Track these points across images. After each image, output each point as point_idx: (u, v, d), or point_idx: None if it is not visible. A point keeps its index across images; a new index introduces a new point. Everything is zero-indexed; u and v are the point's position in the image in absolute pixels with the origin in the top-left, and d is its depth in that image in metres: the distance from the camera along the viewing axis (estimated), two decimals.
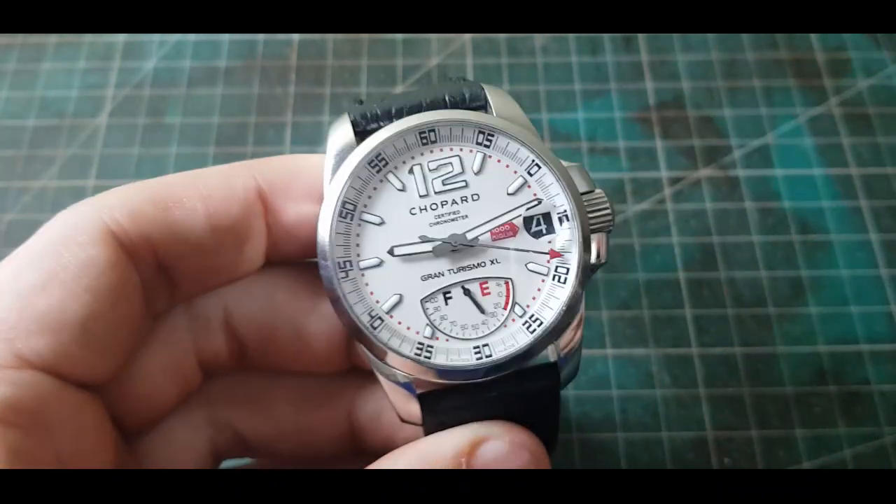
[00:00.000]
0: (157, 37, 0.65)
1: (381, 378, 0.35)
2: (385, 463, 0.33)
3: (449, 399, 0.34)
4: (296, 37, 0.66)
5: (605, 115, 0.62)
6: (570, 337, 0.35)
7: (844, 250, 0.56)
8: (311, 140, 0.61)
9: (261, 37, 0.66)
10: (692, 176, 0.59)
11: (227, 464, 0.43)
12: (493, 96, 0.36)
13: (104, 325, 0.32)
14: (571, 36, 0.65)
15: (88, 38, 0.65)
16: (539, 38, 0.65)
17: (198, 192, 0.34)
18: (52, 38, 0.65)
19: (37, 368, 0.31)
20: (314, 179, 0.35)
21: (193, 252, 0.34)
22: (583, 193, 0.35)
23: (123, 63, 0.64)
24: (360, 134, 0.35)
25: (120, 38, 0.65)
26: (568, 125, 0.61)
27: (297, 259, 0.38)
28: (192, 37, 0.66)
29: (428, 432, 0.35)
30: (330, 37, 0.65)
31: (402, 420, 0.35)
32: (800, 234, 0.57)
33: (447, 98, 0.36)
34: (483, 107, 0.36)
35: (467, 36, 0.65)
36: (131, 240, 0.33)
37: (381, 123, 0.35)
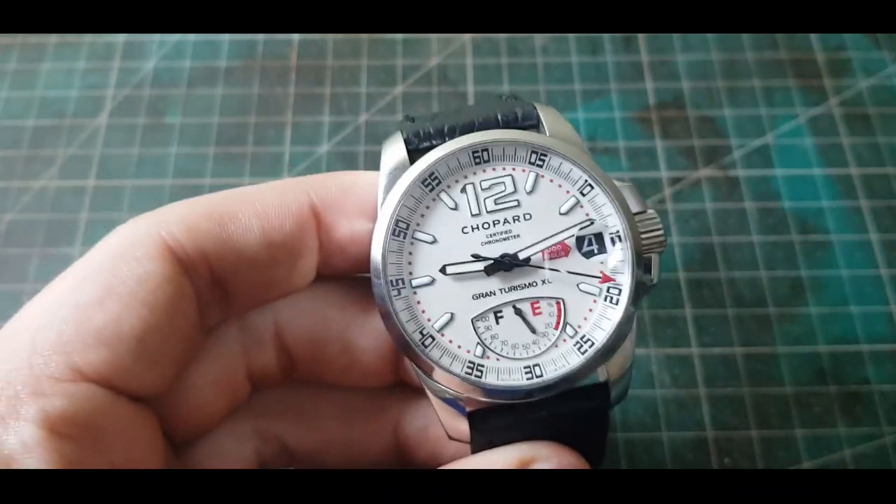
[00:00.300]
0: (157, 37, 0.65)
1: (430, 395, 0.35)
2: None
3: (498, 418, 0.34)
4: (296, 37, 0.66)
5: (605, 115, 0.62)
6: (621, 358, 0.35)
7: (844, 250, 0.56)
8: (311, 140, 0.61)
9: (261, 37, 0.66)
10: (692, 176, 0.59)
11: None
12: (545, 115, 0.36)
13: (159, 338, 0.33)
14: (571, 36, 0.65)
15: (88, 38, 0.65)
16: (539, 38, 0.65)
17: (253, 207, 0.35)
18: (52, 39, 0.65)
19: (92, 381, 0.31)
20: (367, 196, 0.36)
21: (248, 267, 0.35)
22: (635, 213, 0.35)
23: (123, 63, 0.64)
24: (413, 152, 0.35)
25: (120, 39, 0.65)
26: None
27: (347, 274, 0.38)
28: (192, 37, 0.66)
29: (475, 450, 0.35)
30: (330, 37, 0.65)
31: (450, 437, 0.35)
32: (800, 234, 0.57)
33: (500, 117, 0.36)
34: (535, 126, 0.36)
35: (467, 36, 0.65)
36: (187, 254, 0.33)
37: (434, 142, 0.35)
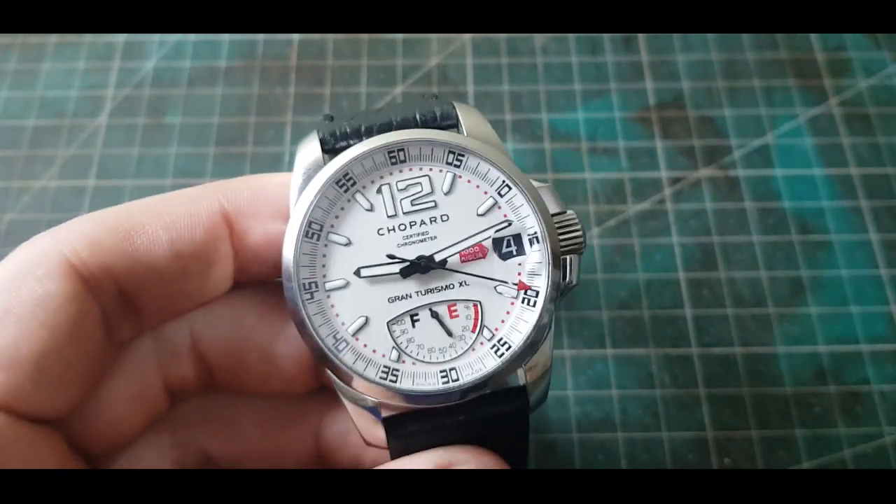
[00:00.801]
0: (157, 37, 0.65)
1: (345, 401, 0.34)
2: None
3: (415, 423, 0.34)
4: (296, 37, 0.66)
5: (605, 115, 0.62)
6: (539, 361, 0.34)
7: (844, 250, 0.56)
8: None
9: (261, 37, 0.66)
10: (692, 176, 0.59)
11: None
12: (464, 115, 0.36)
13: (61, 360, 0.32)
14: (571, 36, 0.65)
15: (88, 38, 0.65)
16: (539, 38, 0.65)
17: (160, 218, 0.34)
18: (53, 39, 0.65)
19: None
20: (281, 198, 0.35)
21: (157, 280, 0.34)
22: (554, 215, 0.34)
23: (123, 63, 0.64)
24: (329, 152, 0.35)
25: (120, 39, 0.65)
26: (568, 125, 0.61)
27: (266, 279, 0.37)
28: (192, 37, 0.66)
29: (394, 457, 0.34)
30: (330, 37, 0.65)
31: (367, 443, 0.35)
32: (800, 234, 0.57)
33: (418, 116, 0.35)
34: (454, 125, 0.36)
35: (467, 36, 0.65)
36: (91, 271, 0.32)
37: (351, 142, 0.35)
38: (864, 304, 0.54)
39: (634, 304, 0.54)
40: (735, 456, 0.50)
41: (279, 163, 0.60)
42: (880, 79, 0.63)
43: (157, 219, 0.34)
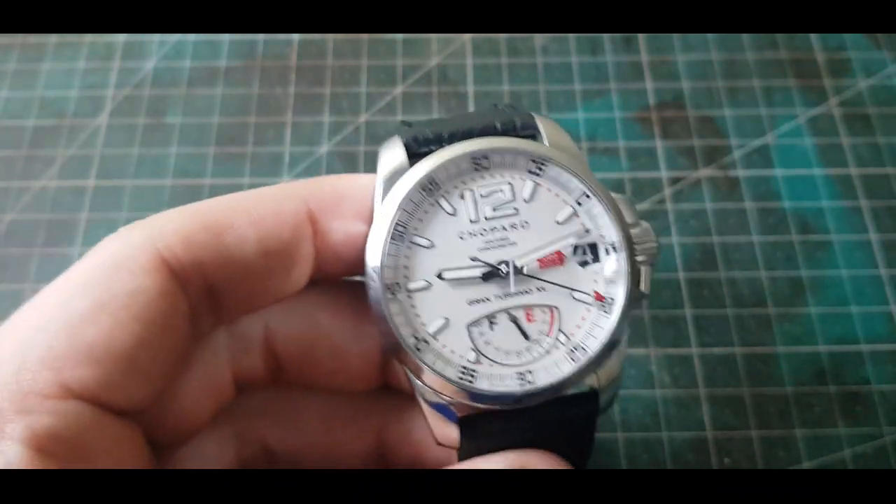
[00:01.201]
0: (157, 37, 0.65)
1: (420, 400, 0.34)
2: None
3: (488, 424, 0.34)
4: (296, 37, 0.66)
5: (605, 115, 0.62)
6: (612, 366, 0.35)
7: (844, 250, 0.56)
8: (311, 140, 0.61)
9: (261, 37, 0.66)
10: (692, 176, 0.59)
11: None
12: (543, 125, 0.36)
13: (150, 354, 0.32)
14: (571, 36, 0.65)
15: (88, 38, 0.65)
16: (539, 38, 0.65)
17: (249, 216, 0.34)
18: (52, 38, 0.65)
19: (80, 398, 0.31)
20: (363, 199, 0.35)
21: (243, 276, 0.34)
22: (629, 225, 0.35)
23: (123, 63, 0.64)
24: (412, 157, 0.35)
25: (120, 38, 0.65)
26: (568, 125, 0.61)
27: (339, 277, 0.38)
28: (192, 37, 0.66)
29: (462, 456, 0.35)
30: (330, 37, 0.66)
31: (438, 443, 0.35)
32: (800, 234, 0.57)
33: (499, 125, 0.36)
34: (533, 136, 0.36)
35: (467, 36, 0.65)
36: (183, 266, 0.33)
37: (433, 147, 0.35)
38: (865, 304, 0.54)
39: (635, 304, 0.54)
40: (735, 456, 0.50)
41: (279, 163, 0.60)
42: (880, 79, 0.63)
43: (246, 216, 0.34)
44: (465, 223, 0.35)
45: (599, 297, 0.35)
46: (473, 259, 0.34)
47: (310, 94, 0.63)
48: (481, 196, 0.35)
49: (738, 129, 0.61)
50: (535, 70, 0.64)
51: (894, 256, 0.56)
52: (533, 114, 0.37)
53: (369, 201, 0.35)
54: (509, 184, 0.35)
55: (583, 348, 0.34)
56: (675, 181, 0.59)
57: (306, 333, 0.37)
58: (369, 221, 0.35)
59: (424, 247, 0.35)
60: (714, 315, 0.54)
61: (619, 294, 0.34)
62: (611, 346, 0.34)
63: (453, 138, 0.35)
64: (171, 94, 0.63)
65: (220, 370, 0.37)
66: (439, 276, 0.34)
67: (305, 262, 0.35)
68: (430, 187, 0.35)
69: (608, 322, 0.34)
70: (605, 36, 0.65)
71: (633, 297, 0.34)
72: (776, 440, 0.50)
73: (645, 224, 0.35)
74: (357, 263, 0.35)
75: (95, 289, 0.31)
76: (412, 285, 0.34)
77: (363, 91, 0.63)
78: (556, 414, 0.34)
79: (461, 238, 0.35)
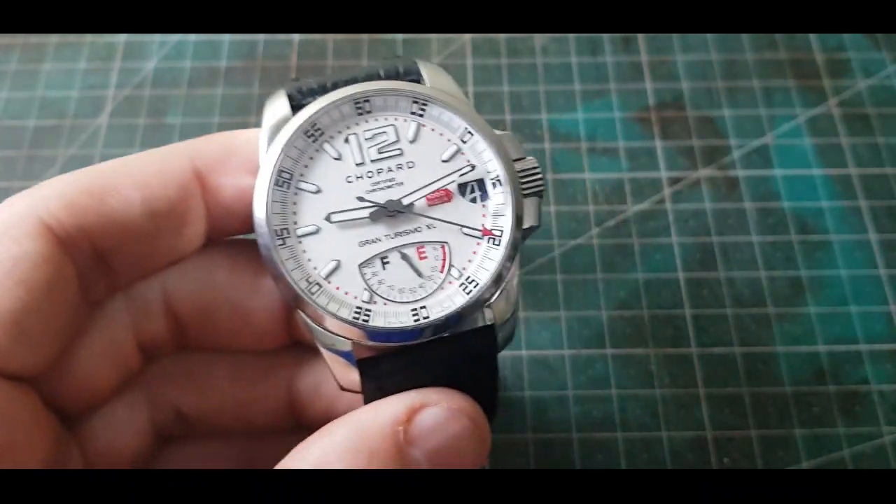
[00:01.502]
0: (157, 37, 0.65)
1: (320, 348, 0.35)
2: (322, 436, 0.33)
3: (387, 364, 0.34)
4: (296, 37, 0.66)
5: (604, 116, 0.62)
6: (504, 302, 0.35)
7: (844, 250, 0.56)
8: None
9: (261, 37, 0.66)
10: (692, 176, 0.59)
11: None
12: (426, 70, 0.37)
13: (37, 318, 0.32)
14: (571, 36, 0.65)
15: (89, 38, 0.65)
16: (539, 38, 0.65)
17: (132, 178, 0.34)
18: (53, 39, 0.65)
19: None
20: (251, 153, 0.35)
21: (132, 239, 0.34)
22: (514, 160, 0.36)
23: (124, 63, 0.64)
24: (296, 108, 0.36)
25: (120, 39, 0.65)
26: (568, 125, 0.61)
27: (238, 234, 0.38)
28: (192, 37, 0.66)
29: (367, 399, 0.35)
30: (330, 37, 0.66)
31: (342, 388, 0.35)
32: (799, 234, 0.57)
33: (381, 72, 0.37)
34: (417, 80, 0.37)
35: (467, 36, 0.65)
36: (67, 232, 0.33)
37: (317, 97, 0.36)
38: (864, 304, 0.54)
39: (634, 304, 0.54)
40: (734, 456, 0.50)
41: None
42: (880, 79, 0.63)
43: (130, 179, 0.34)
44: (351, 167, 0.35)
45: (487, 231, 0.35)
46: (360, 199, 0.35)
47: None
48: (366, 139, 0.36)
49: (737, 130, 0.61)
50: (535, 70, 0.64)
51: (893, 256, 0.56)
52: (416, 59, 0.37)
53: (257, 154, 0.35)
54: (392, 125, 0.36)
55: (475, 281, 0.35)
56: (674, 181, 0.59)
57: (205, 294, 0.37)
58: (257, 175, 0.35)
59: (311, 192, 0.35)
60: (713, 315, 0.54)
61: (507, 226, 0.35)
62: (501, 276, 0.34)
63: (336, 87, 0.36)
64: (171, 94, 0.63)
65: (121, 336, 0.37)
66: (328, 220, 0.35)
67: (197, 221, 0.35)
68: (313, 133, 0.35)
69: (497, 254, 0.35)
70: (605, 36, 0.65)
71: (521, 229, 0.35)
72: (775, 440, 0.50)
73: (531, 158, 0.36)
74: (252, 218, 0.35)
75: None
76: (301, 230, 0.35)
77: None
78: (456, 350, 0.35)
79: (348, 181, 0.35)
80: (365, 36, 0.65)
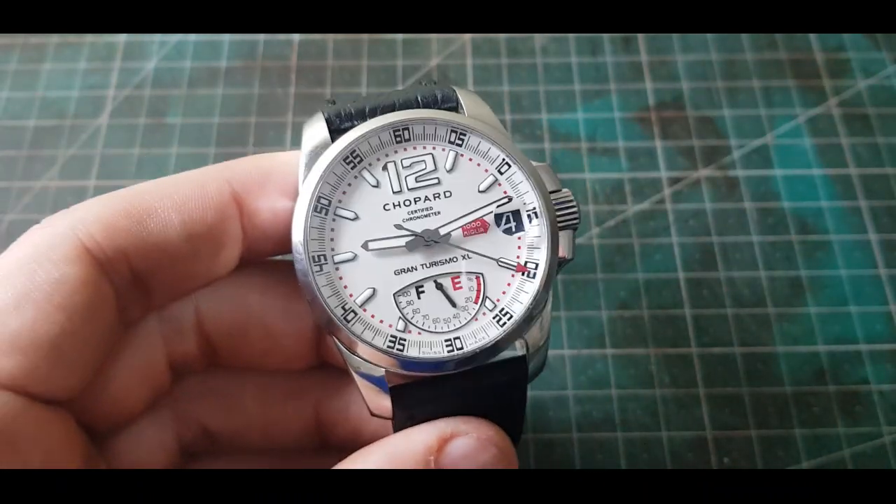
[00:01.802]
0: (157, 37, 0.65)
1: (353, 373, 0.35)
2: (355, 461, 0.33)
3: (419, 392, 0.35)
4: (296, 37, 0.66)
5: (604, 116, 0.62)
6: (538, 331, 0.36)
7: (844, 250, 0.56)
8: None
9: (261, 37, 0.66)
10: (691, 176, 0.59)
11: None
12: (464, 98, 0.37)
13: (76, 343, 0.32)
14: (571, 36, 0.65)
15: (89, 38, 0.65)
16: (539, 39, 0.65)
17: (172, 200, 0.34)
18: (53, 39, 0.65)
19: (6, 388, 0.31)
20: (288, 177, 0.35)
21: (169, 262, 0.34)
22: (551, 192, 0.36)
23: (124, 63, 0.64)
24: (334, 132, 0.36)
25: (121, 39, 0.65)
26: (568, 125, 0.61)
27: (270, 256, 0.38)
28: (192, 37, 0.66)
29: (397, 426, 0.35)
30: (330, 37, 0.66)
31: (372, 414, 0.35)
32: (799, 234, 0.57)
33: (419, 99, 0.37)
34: (455, 108, 0.37)
35: (467, 36, 0.65)
36: (106, 255, 0.33)
37: (355, 122, 0.36)
38: (864, 304, 0.54)
39: (634, 304, 0.54)
40: (734, 455, 0.50)
41: None
42: (879, 79, 0.63)
43: (168, 201, 0.34)
44: (388, 194, 0.35)
45: (522, 267, 0.35)
46: (398, 226, 0.35)
47: (310, 94, 0.63)
48: (404, 167, 0.36)
49: (737, 130, 0.61)
50: (535, 70, 0.64)
51: (893, 256, 0.56)
52: (455, 87, 0.37)
53: (294, 178, 0.35)
54: (431, 154, 0.36)
55: (509, 313, 0.35)
56: (674, 181, 0.59)
57: (237, 315, 0.38)
58: (295, 198, 0.35)
59: (349, 219, 0.35)
60: (713, 315, 0.54)
61: (542, 259, 0.35)
62: (536, 310, 0.35)
63: (374, 113, 0.36)
64: (171, 94, 0.63)
65: (154, 356, 0.37)
66: (365, 247, 0.35)
67: (233, 244, 0.35)
68: (352, 160, 0.35)
69: (532, 287, 0.35)
70: (605, 36, 0.65)
71: (556, 262, 0.35)
72: (775, 440, 0.50)
73: (566, 191, 0.36)
74: (287, 241, 0.35)
75: (18, 279, 0.31)
76: (338, 257, 0.35)
77: (363, 91, 0.63)
78: (486, 380, 0.35)
79: (385, 209, 0.35)
80: (365, 36, 0.65)
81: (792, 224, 0.57)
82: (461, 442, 0.33)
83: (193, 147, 0.60)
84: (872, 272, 0.55)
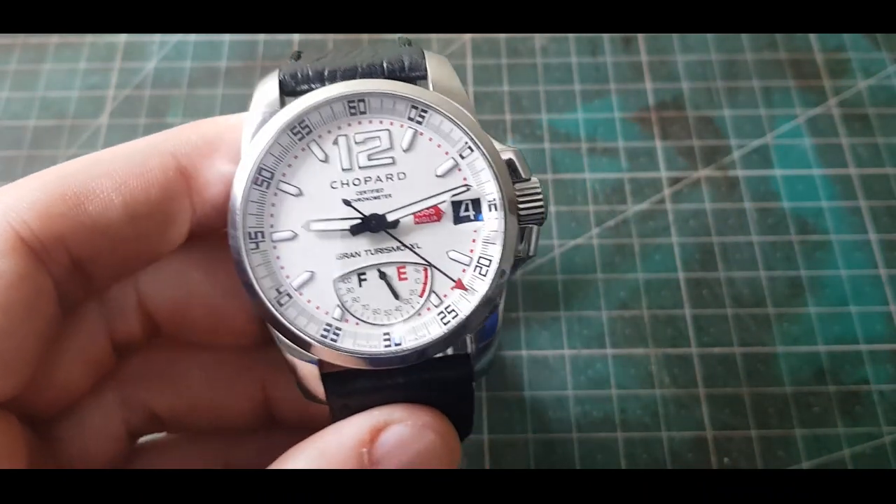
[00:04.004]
0: (157, 37, 0.65)
1: (286, 354, 0.33)
2: (286, 460, 0.31)
3: (355, 382, 0.33)
4: (296, 37, 0.66)
5: (604, 116, 0.62)
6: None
7: (843, 250, 0.56)
8: None
9: (261, 37, 0.66)
10: (691, 176, 0.59)
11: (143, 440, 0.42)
12: (433, 66, 0.34)
13: (14, 342, 0.30)
14: (571, 36, 0.65)
15: (89, 38, 0.65)
16: (539, 39, 0.65)
17: (111, 179, 0.32)
18: (54, 39, 0.65)
19: None
20: (237, 143, 0.33)
21: (111, 245, 0.32)
22: (516, 182, 0.33)
23: (124, 63, 0.64)
24: (288, 94, 0.33)
25: (121, 39, 0.65)
26: (567, 125, 0.61)
27: (223, 229, 0.36)
28: (192, 37, 0.66)
29: (333, 413, 0.33)
30: (330, 37, 0.66)
31: (307, 397, 0.34)
32: (799, 234, 0.57)
33: (385, 65, 0.34)
34: (422, 77, 0.34)
35: (467, 36, 0.65)
36: (42, 244, 0.30)
37: (312, 86, 0.33)
38: (864, 304, 0.54)
39: (634, 304, 0.54)
40: (734, 456, 0.50)
41: None
42: (879, 79, 0.63)
43: (107, 180, 0.32)
44: (337, 171, 0.33)
45: (475, 258, 0.33)
46: (346, 202, 0.32)
47: None
48: (356, 143, 0.33)
49: (737, 130, 0.61)
50: (535, 70, 0.64)
51: (893, 256, 0.56)
52: (425, 52, 0.34)
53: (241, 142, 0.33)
54: (388, 130, 0.33)
55: (454, 311, 0.32)
56: (674, 181, 0.59)
57: (179, 293, 0.36)
58: None
59: (292, 194, 0.32)
60: (713, 315, 0.54)
61: (496, 256, 0.32)
62: (484, 310, 0.32)
63: (334, 77, 0.33)
64: (171, 94, 0.63)
65: (95, 338, 0.35)
66: (306, 227, 0.32)
67: (181, 221, 0.33)
68: (300, 130, 0.33)
69: (482, 285, 0.32)
70: (605, 36, 0.65)
71: (514, 259, 0.33)
72: (775, 440, 0.50)
73: (534, 180, 0.33)
74: None
75: None
76: (277, 235, 0.32)
77: None
78: (427, 375, 0.33)
79: (332, 187, 0.33)
80: (365, 36, 0.65)
81: (792, 224, 0.57)
82: (394, 430, 0.31)
83: None
84: (872, 272, 0.55)
